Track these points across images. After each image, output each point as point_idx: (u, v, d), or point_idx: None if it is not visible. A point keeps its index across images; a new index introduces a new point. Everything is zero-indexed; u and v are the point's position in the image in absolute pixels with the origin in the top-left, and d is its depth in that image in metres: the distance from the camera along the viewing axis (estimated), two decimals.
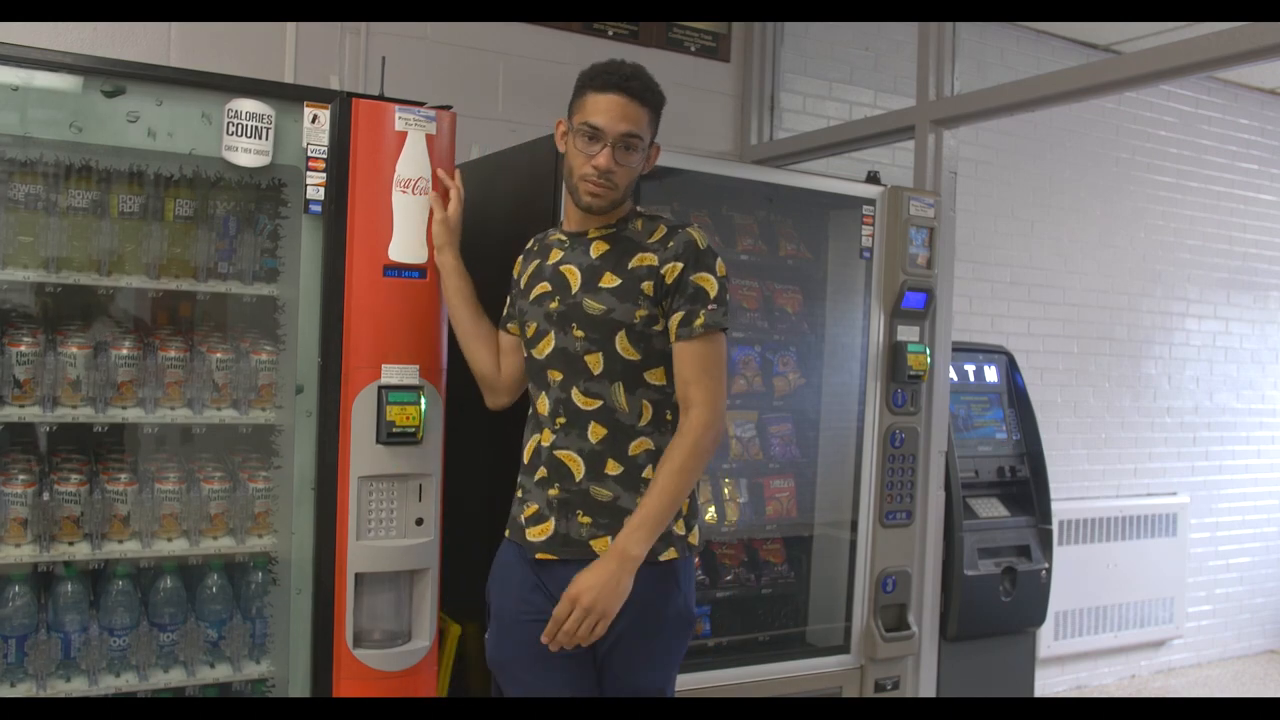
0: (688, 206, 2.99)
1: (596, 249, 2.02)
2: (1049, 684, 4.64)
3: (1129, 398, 5.04)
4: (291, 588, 2.34)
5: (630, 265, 1.98)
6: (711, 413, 1.94)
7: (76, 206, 2.25)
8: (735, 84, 4.04)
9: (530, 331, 2.06)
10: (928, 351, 3.03)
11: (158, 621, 2.34)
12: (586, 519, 1.97)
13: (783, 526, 3.11)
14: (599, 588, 1.85)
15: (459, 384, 2.42)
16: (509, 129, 3.38)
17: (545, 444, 2.02)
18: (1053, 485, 3.78)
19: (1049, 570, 3.66)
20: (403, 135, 2.27)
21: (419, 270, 2.30)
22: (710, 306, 1.96)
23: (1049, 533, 3.71)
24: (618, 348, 1.97)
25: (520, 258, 2.20)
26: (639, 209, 2.08)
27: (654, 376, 1.99)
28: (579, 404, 1.98)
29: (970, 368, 3.81)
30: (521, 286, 2.13)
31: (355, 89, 2.79)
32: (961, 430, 3.66)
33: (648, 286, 1.97)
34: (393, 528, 2.33)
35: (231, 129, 2.21)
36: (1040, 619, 3.70)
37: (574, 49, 3.65)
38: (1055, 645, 4.65)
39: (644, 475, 1.96)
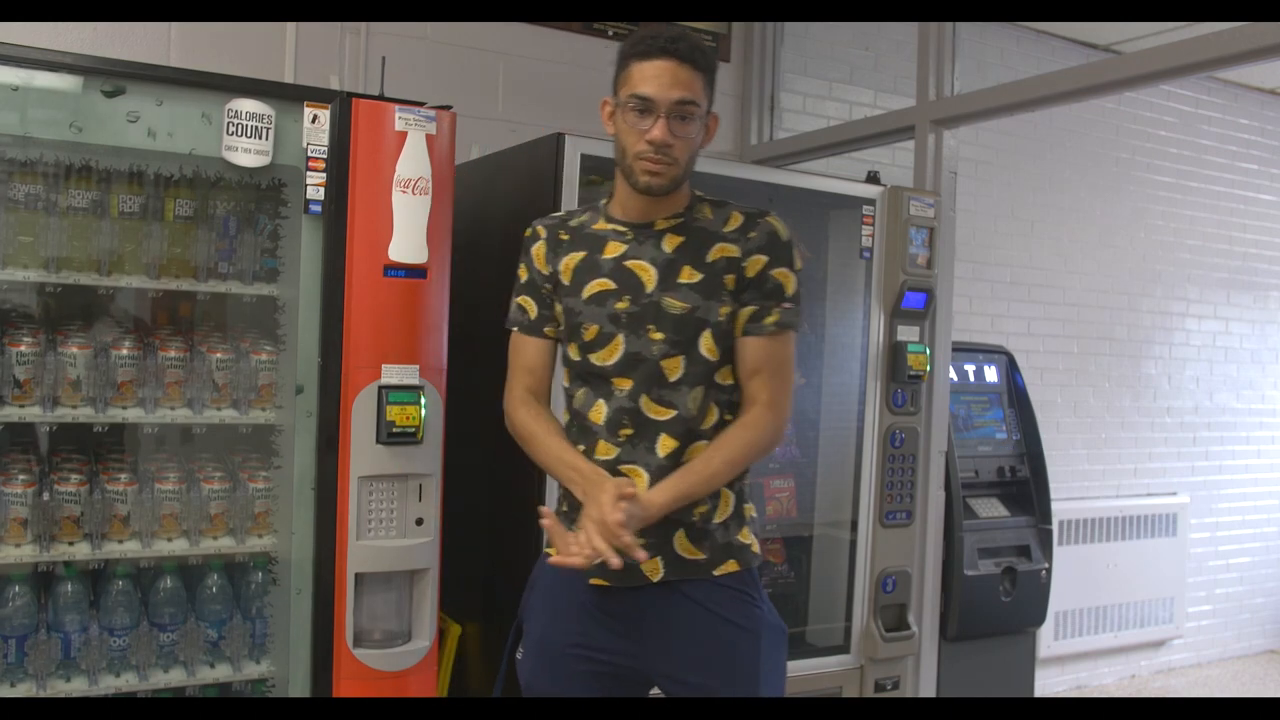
0: None
1: (670, 242, 1.82)
2: (1049, 684, 4.64)
3: (1129, 398, 5.04)
4: (291, 588, 2.34)
5: (710, 258, 1.81)
6: (778, 415, 1.82)
7: (76, 206, 2.25)
8: (735, 84, 4.04)
9: (589, 334, 1.83)
10: (928, 351, 3.03)
11: (158, 621, 2.34)
12: (650, 541, 1.76)
13: (783, 526, 3.12)
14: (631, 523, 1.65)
15: (459, 384, 2.42)
16: (509, 129, 3.38)
17: (604, 458, 1.79)
18: (1053, 485, 3.78)
19: (1049, 570, 3.66)
20: (403, 135, 2.27)
21: (419, 270, 2.30)
22: (785, 304, 1.82)
23: (1049, 533, 3.71)
24: (701, 349, 1.80)
25: (539, 247, 1.91)
26: (698, 193, 1.89)
27: (722, 376, 1.83)
28: (649, 414, 1.79)
29: (970, 368, 3.81)
30: (565, 282, 1.87)
31: (355, 89, 2.79)
32: (961, 430, 3.65)
33: (730, 280, 1.80)
34: (393, 528, 2.33)
35: (231, 129, 2.21)
36: (1040, 619, 3.70)
37: (574, 49, 3.66)
38: (1055, 645, 4.65)
39: (723, 497, 1.82)
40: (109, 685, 2.26)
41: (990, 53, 4.45)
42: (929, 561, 3.17)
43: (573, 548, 1.63)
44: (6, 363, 2.19)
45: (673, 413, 1.79)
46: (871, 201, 3.00)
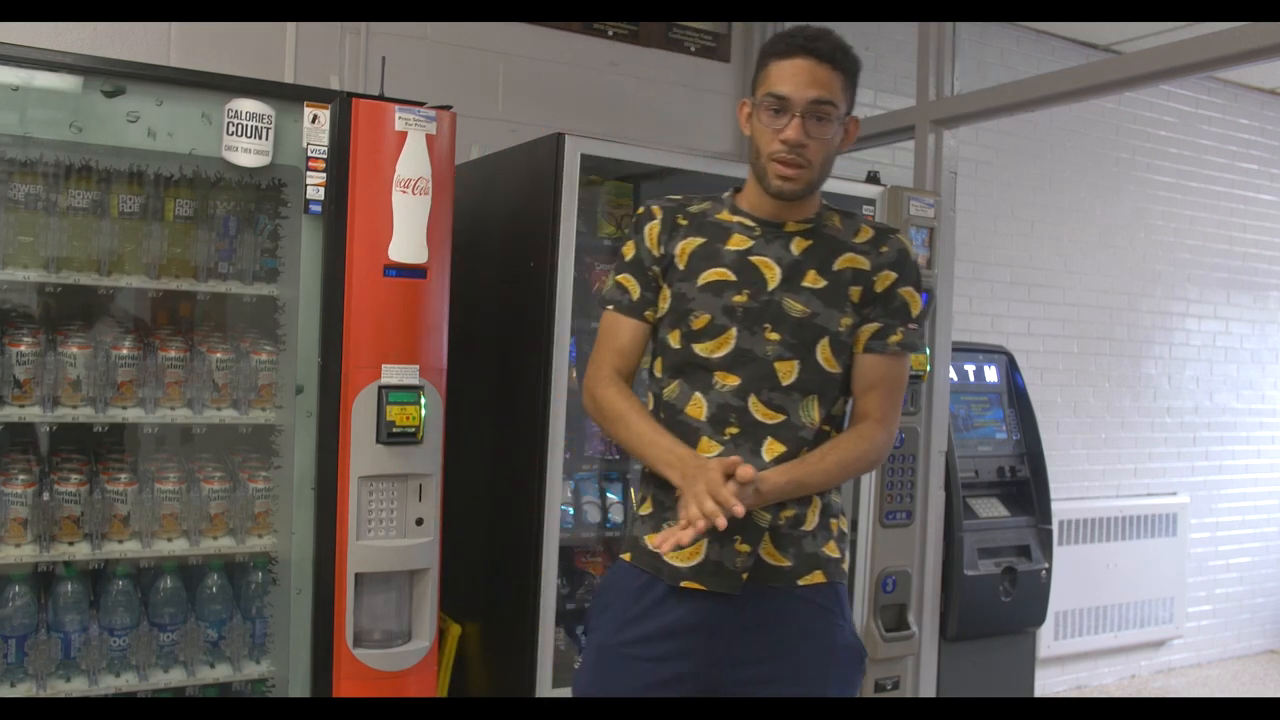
0: None
1: (798, 244, 1.77)
2: (1049, 684, 4.64)
3: (1129, 398, 5.04)
4: (291, 588, 2.34)
5: (836, 266, 1.76)
6: (888, 433, 1.79)
7: (76, 206, 2.25)
8: (735, 84, 4.04)
9: (698, 323, 1.76)
10: (928, 351, 3.03)
11: (158, 621, 2.34)
12: (745, 546, 1.72)
13: None
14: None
15: (459, 384, 2.42)
16: (509, 129, 3.38)
17: (705, 455, 1.72)
18: (1053, 485, 3.78)
19: (1049, 570, 3.66)
20: (403, 135, 2.27)
21: (419, 270, 2.30)
22: (910, 325, 1.79)
23: (1049, 533, 3.71)
24: (819, 357, 1.74)
25: (653, 227, 1.84)
26: (825, 202, 1.85)
27: (837, 390, 1.79)
28: (758, 415, 1.73)
29: (970, 368, 3.81)
30: (680, 266, 1.80)
31: (355, 89, 2.79)
32: (961, 430, 3.65)
33: (855, 292, 1.76)
34: (393, 528, 2.33)
35: (231, 129, 2.20)
36: (1040, 619, 3.70)
37: (574, 49, 3.65)
38: (1055, 645, 4.65)
39: (811, 498, 1.77)
40: (109, 685, 2.26)
41: (990, 53, 4.45)
42: (929, 561, 3.17)
43: (681, 524, 1.57)
44: (6, 363, 2.19)
45: (782, 418, 1.74)
46: (871, 201, 3.00)
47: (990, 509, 3.64)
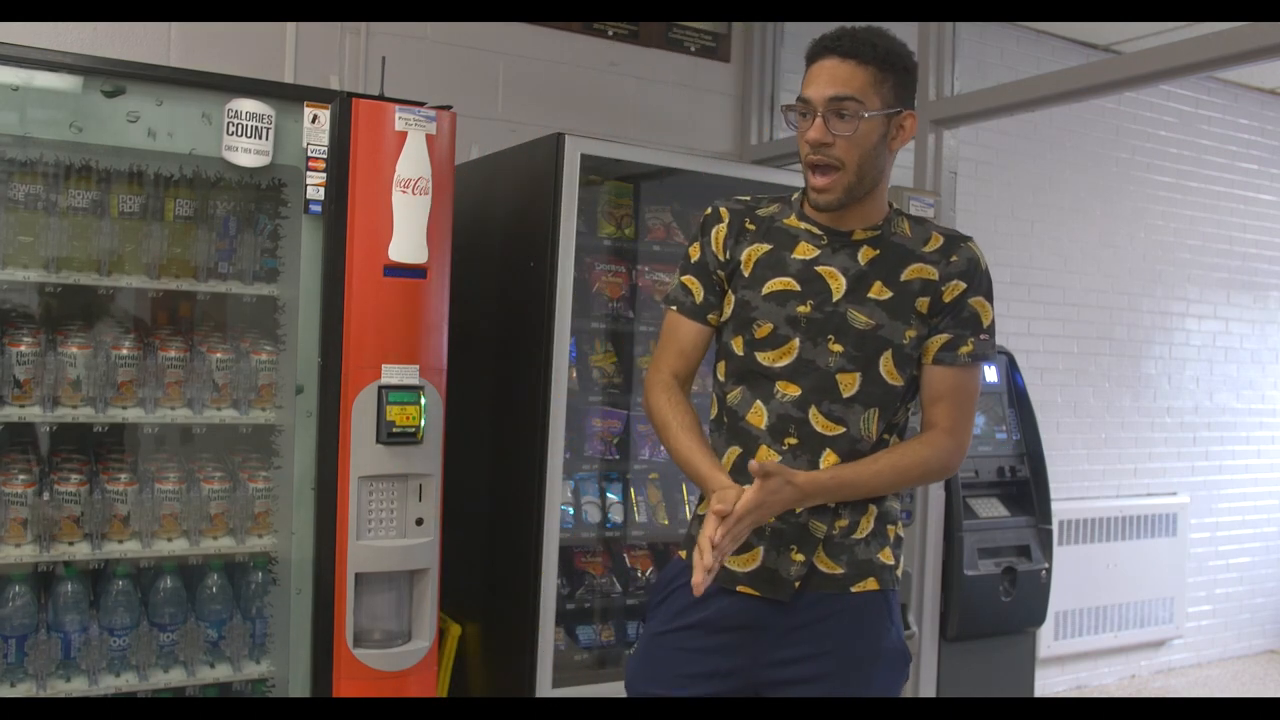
0: (688, 207, 2.99)
1: (865, 254, 1.74)
2: (1049, 684, 4.64)
3: (1129, 398, 5.04)
4: (291, 588, 2.34)
5: (904, 277, 1.73)
6: (957, 443, 1.75)
7: (76, 206, 2.25)
8: (735, 84, 4.04)
9: (761, 332, 1.75)
10: None
11: (158, 621, 2.34)
12: (800, 556, 1.72)
13: None
14: (781, 505, 1.61)
15: (459, 384, 2.42)
16: (509, 129, 3.38)
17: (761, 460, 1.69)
18: (1053, 485, 3.78)
19: (1049, 570, 3.66)
20: (403, 135, 2.27)
21: (419, 270, 2.30)
22: (982, 336, 1.75)
23: (1049, 533, 3.71)
24: (881, 370, 1.72)
25: (720, 230, 1.81)
26: (896, 206, 1.81)
27: (900, 403, 1.77)
28: (817, 427, 1.71)
29: None
30: (745, 273, 1.78)
31: (355, 89, 2.79)
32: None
33: (922, 303, 1.72)
34: (393, 528, 2.33)
35: (231, 129, 2.21)
36: (1040, 619, 3.70)
37: (574, 49, 3.65)
38: (1055, 645, 4.65)
39: (866, 505, 1.76)
40: (109, 685, 2.26)
41: (990, 53, 4.44)
42: (929, 561, 3.17)
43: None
44: (6, 363, 2.19)
45: (841, 430, 1.72)
46: None
47: (990, 509, 3.63)
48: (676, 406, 1.79)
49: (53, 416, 2.22)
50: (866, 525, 1.76)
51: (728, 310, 1.81)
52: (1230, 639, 5.41)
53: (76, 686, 2.24)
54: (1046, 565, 3.66)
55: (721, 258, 1.81)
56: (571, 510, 2.81)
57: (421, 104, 2.32)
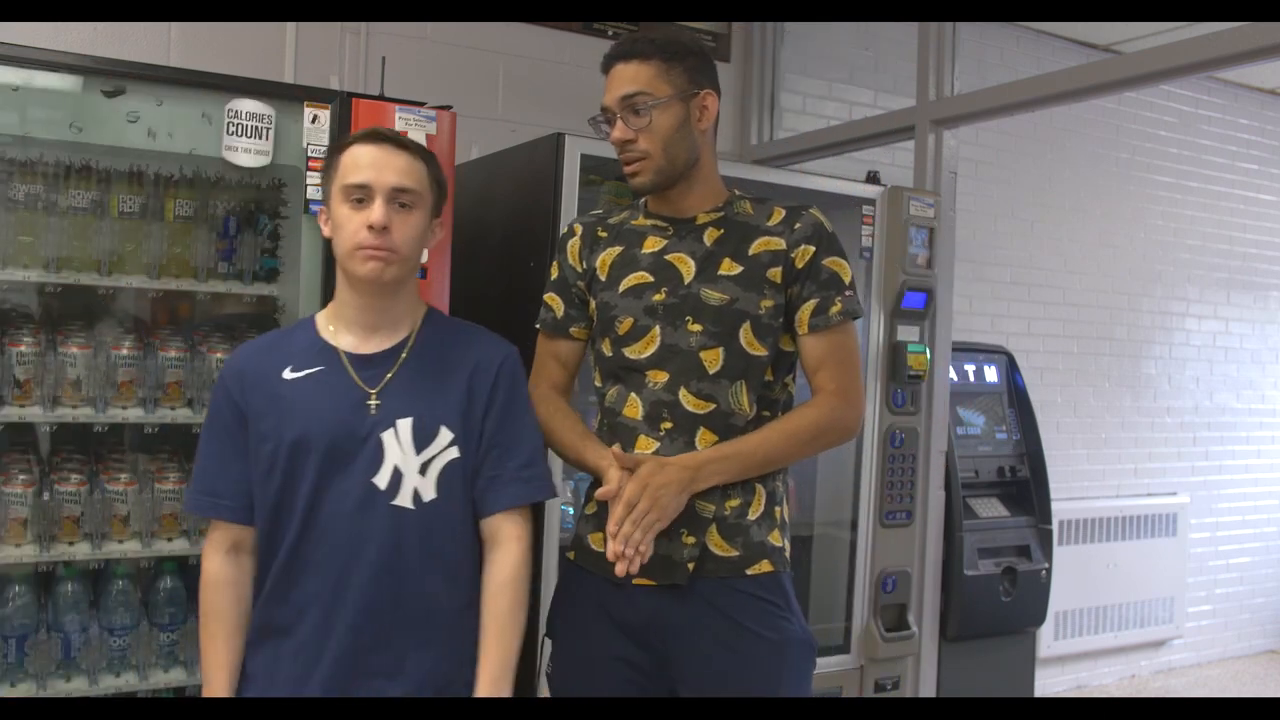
0: None
1: (710, 235, 1.80)
2: (1049, 684, 4.64)
3: (1129, 398, 5.04)
4: None
5: (751, 251, 1.78)
6: (847, 402, 1.78)
7: (76, 206, 2.25)
8: (735, 84, 4.04)
9: (623, 328, 1.80)
10: (928, 351, 3.03)
11: (158, 621, 2.33)
12: (690, 539, 1.73)
13: None
14: (672, 485, 1.64)
15: None
16: (509, 129, 3.38)
17: (646, 452, 1.75)
18: (1053, 485, 3.78)
19: (1049, 570, 3.66)
20: None
21: (419, 270, 2.29)
22: (847, 293, 1.79)
23: (1049, 533, 3.71)
24: (742, 341, 1.76)
25: (574, 244, 1.90)
26: (737, 191, 1.87)
27: (764, 373, 1.79)
28: (689, 407, 1.75)
29: (970, 368, 3.81)
30: (602, 277, 1.85)
31: (355, 89, 2.79)
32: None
33: (775, 273, 1.77)
34: None
35: (231, 129, 2.20)
36: (1040, 619, 3.70)
37: (574, 49, 3.66)
38: (1055, 645, 4.65)
39: (754, 486, 1.78)
40: (109, 685, 2.26)
41: (990, 53, 4.45)
42: (929, 561, 3.17)
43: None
44: (6, 363, 2.19)
45: (712, 406, 1.75)
46: (871, 201, 3.00)
47: (990, 509, 3.64)
48: (555, 410, 1.86)
49: (53, 416, 2.22)
50: (758, 506, 1.78)
51: (596, 318, 1.87)
52: (1230, 639, 5.41)
53: (76, 686, 2.24)
54: (1046, 565, 3.66)
55: (579, 269, 1.89)
56: (571, 510, 2.81)
57: (421, 104, 2.32)
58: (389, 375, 1.69)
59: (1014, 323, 4.65)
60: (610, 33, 3.73)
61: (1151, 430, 5.11)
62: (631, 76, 1.75)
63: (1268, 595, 5.54)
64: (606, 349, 1.84)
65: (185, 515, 2.33)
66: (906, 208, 2.99)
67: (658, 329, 1.78)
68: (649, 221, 1.86)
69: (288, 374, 1.68)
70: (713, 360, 1.76)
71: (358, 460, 1.64)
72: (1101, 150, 4.91)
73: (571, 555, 1.88)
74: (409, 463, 1.66)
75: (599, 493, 1.69)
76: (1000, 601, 3.52)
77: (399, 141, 1.70)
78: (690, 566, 1.73)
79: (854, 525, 3.01)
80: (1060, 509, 4.13)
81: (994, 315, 4.59)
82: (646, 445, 1.76)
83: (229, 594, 1.68)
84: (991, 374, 3.86)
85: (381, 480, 1.64)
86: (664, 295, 1.78)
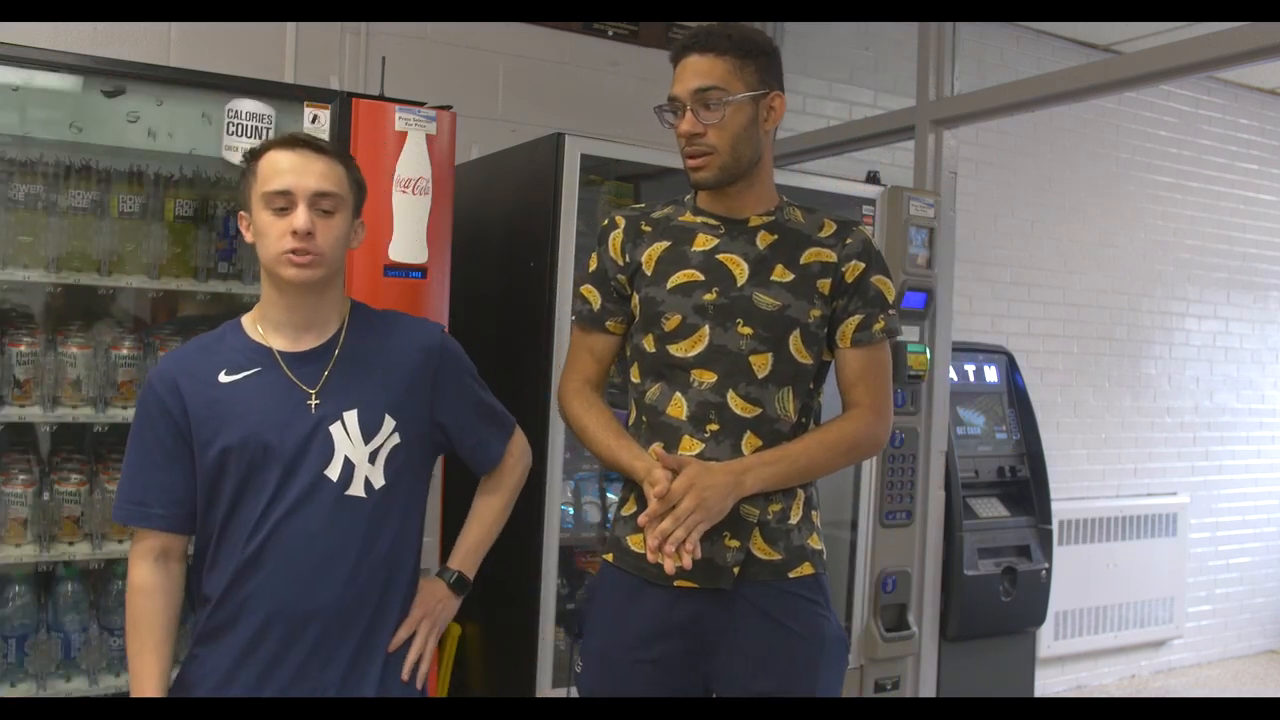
0: None
1: (764, 239, 1.79)
2: (1049, 684, 4.64)
3: (1129, 398, 5.04)
4: None
5: (803, 260, 1.78)
6: (879, 417, 1.80)
7: (76, 206, 2.25)
8: None
9: (670, 324, 1.77)
10: (928, 351, 3.03)
11: None
12: (734, 542, 1.72)
13: None
14: (719, 488, 1.63)
15: None
16: (509, 129, 3.38)
17: (690, 453, 1.73)
18: (1053, 485, 3.78)
19: (1049, 570, 3.66)
20: (403, 135, 2.27)
21: (419, 270, 2.30)
22: (890, 312, 1.80)
23: (1049, 533, 3.71)
24: (791, 349, 1.75)
25: (616, 236, 1.86)
26: (785, 198, 1.87)
27: (810, 381, 1.80)
28: (736, 410, 1.74)
29: (970, 368, 3.81)
30: (648, 272, 1.81)
31: (355, 89, 2.79)
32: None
33: (824, 285, 1.77)
34: None
35: (231, 129, 2.21)
36: (1040, 619, 3.70)
37: (574, 49, 3.65)
38: (1055, 645, 4.65)
39: (795, 491, 1.78)
40: (109, 685, 2.26)
41: (990, 53, 4.45)
42: (929, 561, 3.17)
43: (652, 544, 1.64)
44: (6, 363, 2.19)
45: (759, 410, 1.74)
46: (871, 201, 3.00)
47: (990, 509, 3.64)
48: (591, 408, 1.83)
49: (53, 416, 2.22)
50: (798, 511, 1.79)
51: (635, 312, 1.84)
52: (1230, 639, 5.41)
53: (76, 686, 2.24)
54: (1046, 565, 3.66)
55: (620, 262, 1.85)
56: (571, 510, 2.81)
57: (421, 104, 2.32)
58: (325, 372, 1.69)
59: (1014, 323, 4.65)
60: (610, 33, 3.73)
61: (1151, 430, 5.11)
62: (706, 70, 1.73)
63: (1268, 595, 5.54)
64: (649, 345, 1.80)
65: None
66: (906, 208, 2.99)
67: (707, 328, 1.76)
68: (699, 219, 1.83)
69: (223, 377, 1.68)
70: (762, 365, 1.75)
71: (308, 456, 1.65)
72: (1101, 150, 4.90)
73: (610, 557, 1.85)
74: (358, 453, 1.67)
75: (654, 492, 1.63)
76: (1000, 601, 3.52)
77: (317, 146, 1.69)
78: (735, 570, 1.73)
79: (854, 525, 3.01)
80: (1060, 509, 4.14)
81: (994, 315, 4.59)
82: (691, 446, 1.74)
83: (159, 601, 1.66)
84: (991, 374, 3.86)
85: (333, 472, 1.66)
86: (715, 295, 1.76)
